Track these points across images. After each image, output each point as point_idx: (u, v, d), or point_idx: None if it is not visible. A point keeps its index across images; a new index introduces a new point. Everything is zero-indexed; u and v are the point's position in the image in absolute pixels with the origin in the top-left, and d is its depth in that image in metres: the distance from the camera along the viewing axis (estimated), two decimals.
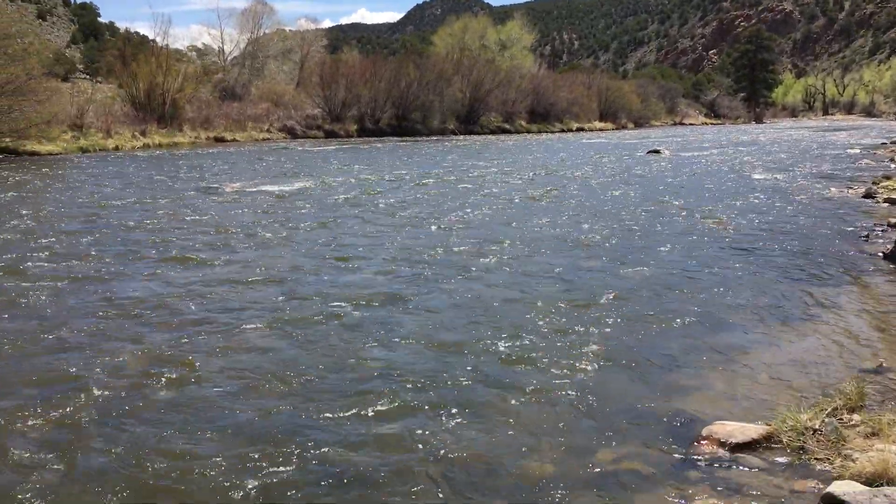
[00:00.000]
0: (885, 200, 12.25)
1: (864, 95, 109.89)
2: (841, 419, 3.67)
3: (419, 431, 3.69)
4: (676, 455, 3.49)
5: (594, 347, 4.89)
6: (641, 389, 4.27)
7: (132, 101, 31.02)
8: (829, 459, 3.35)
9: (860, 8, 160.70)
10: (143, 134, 28.11)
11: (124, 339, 5.03)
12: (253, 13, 49.94)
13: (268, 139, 33.83)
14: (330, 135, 37.12)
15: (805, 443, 3.47)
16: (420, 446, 3.55)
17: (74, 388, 4.17)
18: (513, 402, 4.06)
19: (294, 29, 55.07)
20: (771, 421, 3.69)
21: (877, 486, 2.96)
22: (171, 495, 3.13)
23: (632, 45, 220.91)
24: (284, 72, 50.58)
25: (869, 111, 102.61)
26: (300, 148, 28.35)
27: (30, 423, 3.76)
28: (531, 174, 17.88)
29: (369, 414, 3.88)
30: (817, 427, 3.56)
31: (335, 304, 5.90)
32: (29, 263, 7.30)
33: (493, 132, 45.13)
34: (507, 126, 47.35)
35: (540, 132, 47.86)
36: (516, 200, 12.69)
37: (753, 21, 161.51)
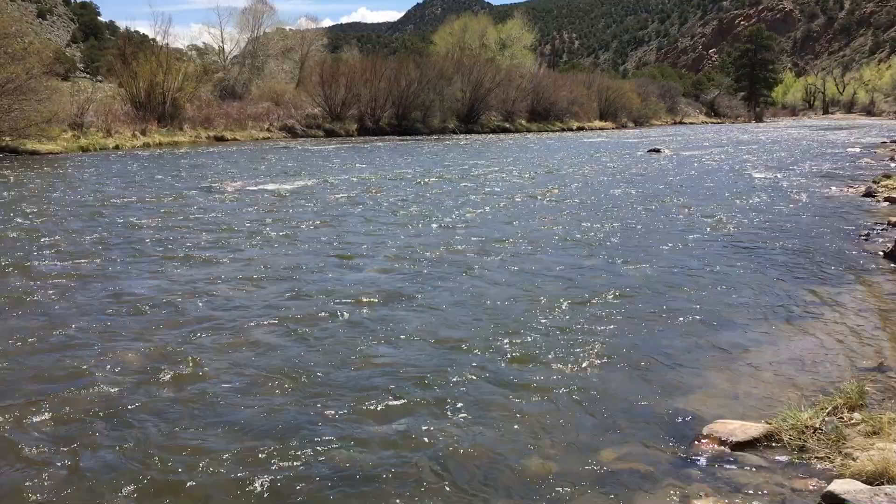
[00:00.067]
0: (886, 199, 12.28)
1: (864, 94, 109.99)
2: (841, 418, 3.70)
3: (423, 428, 3.73)
4: (678, 453, 3.52)
5: (596, 345, 4.93)
6: (643, 387, 4.30)
7: (132, 100, 30.99)
8: (829, 458, 3.37)
9: (860, 7, 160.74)
10: (144, 133, 28.08)
11: (131, 337, 5.07)
12: (253, 12, 50.05)
13: (268, 138, 33.80)
14: (330, 134, 37.10)
15: (806, 441, 3.50)
16: (424, 443, 3.59)
17: (82, 385, 4.21)
18: (515, 399, 4.09)
19: (294, 28, 55.20)
20: (772, 419, 3.72)
21: (877, 485, 2.98)
22: (178, 491, 3.16)
23: (632, 44, 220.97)
24: (284, 71, 50.59)
25: (869, 110, 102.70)
26: (300, 147, 28.35)
27: (37, 419, 3.79)
28: (532, 173, 17.89)
29: (374, 410, 3.92)
30: (818, 426, 3.59)
31: (339, 301, 5.95)
32: (35, 261, 7.33)
33: (493, 131, 45.05)
34: (507, 125, 47.28)
35: (540, 131, 47.79)
36: (517, 199, 12.72)
37: (753, 20, 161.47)
